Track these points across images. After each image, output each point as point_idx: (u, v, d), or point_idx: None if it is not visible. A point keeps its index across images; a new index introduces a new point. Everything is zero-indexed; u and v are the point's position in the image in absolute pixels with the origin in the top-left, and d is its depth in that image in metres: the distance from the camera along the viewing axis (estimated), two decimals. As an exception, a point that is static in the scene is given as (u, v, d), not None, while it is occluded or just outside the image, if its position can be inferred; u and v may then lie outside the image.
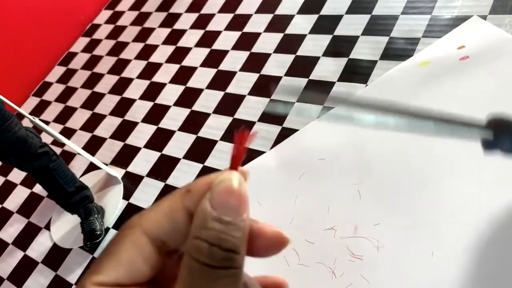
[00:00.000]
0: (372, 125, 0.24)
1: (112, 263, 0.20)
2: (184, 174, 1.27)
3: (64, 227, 1.37)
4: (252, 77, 1.39)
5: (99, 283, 0.20)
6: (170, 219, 0.22)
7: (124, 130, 1.53)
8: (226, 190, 0.21)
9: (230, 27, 1.62)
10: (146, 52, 1.77)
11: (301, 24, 1.44)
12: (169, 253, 0.23)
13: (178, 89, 1.54)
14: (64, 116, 1.76)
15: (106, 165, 1.42)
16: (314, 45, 1.35)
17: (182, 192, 0.22)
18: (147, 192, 1.30)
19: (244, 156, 0.22)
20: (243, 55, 1.49)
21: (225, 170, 0.22)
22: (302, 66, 1.32)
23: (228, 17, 1.66)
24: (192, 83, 1.53)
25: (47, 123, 1.75)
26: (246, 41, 1.53)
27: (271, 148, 1.18)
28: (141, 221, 0.21)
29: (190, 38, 1.70)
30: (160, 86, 1.60)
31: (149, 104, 1.56)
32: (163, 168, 1.33)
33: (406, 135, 0.97)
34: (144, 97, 1.60)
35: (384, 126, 0.24)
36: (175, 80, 1.58)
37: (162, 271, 0.23)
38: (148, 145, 1.43)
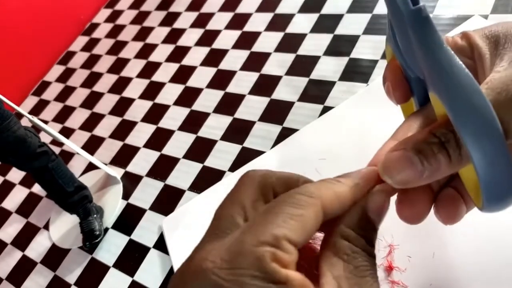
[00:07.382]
0: None
1: (300, 226, 0.21)
2: (183, 174, 1.26)
3: (63, 227, 1.36)
4: (252, 77, 1.39)
5: (291, 240, 0.20)
6: (340, 204, 0.23)
7: (123, 130, 1.53)
8: (383, 202, 0.24)
9: (230, 26, 1.62)
10: (146, 51, 1.76)
11: (302, 23, 1.43)
12: None
13: (178, 89, 1.53)
14: (63, 116, 1.75)
15: (105, 164, 1.41)
16: (315, 44, 1.35)
17: (353, 184, 0.24)
18: (146, 192, 1.29)
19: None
20: (243, 54, 1.48)
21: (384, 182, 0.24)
22: (303, 66, 1.31)
23: (228, 16, 1.66)
24: (192, 82, 1.52)
25: (46, 122, 1.75)
26: (246, 40, 1.52)
27: (271, 148, 1.17)
28: (321, 195, 0.22)
29: (190, 37, 1.69)
30: (160, 85, 1.59)
31: (149, 104, 1.55)
32: (163, 168, 1.32)
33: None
34: (143, 96, 1.60)
35: None
36: (175, 79, 1.57)
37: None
38: (148, 145, 1.42)
